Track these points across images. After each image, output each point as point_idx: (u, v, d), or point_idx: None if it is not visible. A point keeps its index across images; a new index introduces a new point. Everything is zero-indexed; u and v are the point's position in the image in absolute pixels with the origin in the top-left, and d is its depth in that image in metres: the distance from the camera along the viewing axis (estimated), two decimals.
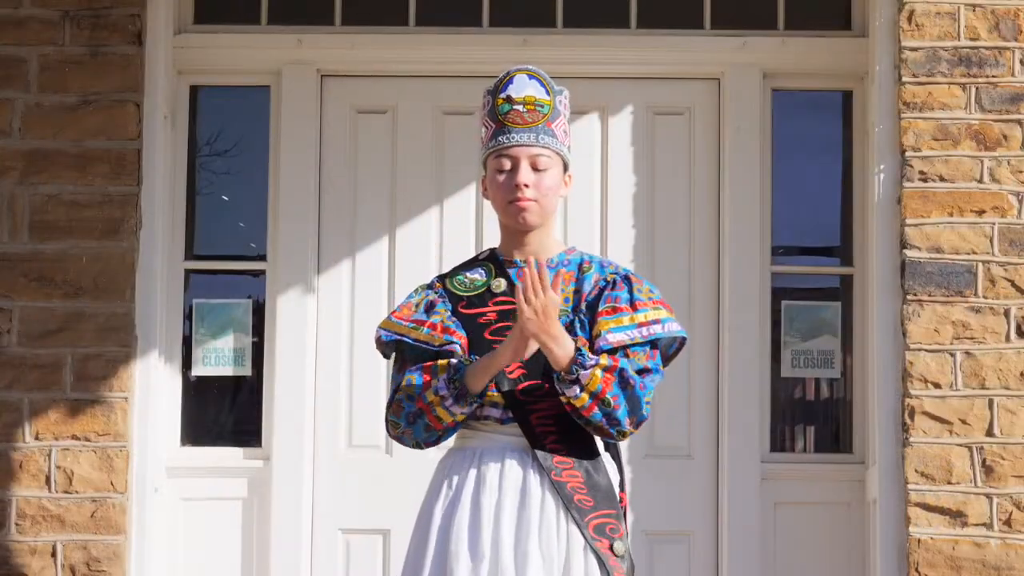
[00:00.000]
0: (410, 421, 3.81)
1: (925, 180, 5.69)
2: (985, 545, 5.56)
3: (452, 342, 3.81)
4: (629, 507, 6.00)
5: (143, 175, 5.85)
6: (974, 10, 5.74)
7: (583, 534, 3.73)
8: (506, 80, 3.89)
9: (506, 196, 3.85)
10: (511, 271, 3.89)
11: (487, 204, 6.07)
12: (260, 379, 6.13)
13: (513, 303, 3.77)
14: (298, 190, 6.11)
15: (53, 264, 5.78)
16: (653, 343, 3.83)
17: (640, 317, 3.83)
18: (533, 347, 3.70)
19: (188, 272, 6.15)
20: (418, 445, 3.87)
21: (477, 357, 3.77)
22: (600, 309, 3.82)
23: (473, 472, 3.79)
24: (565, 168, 3.92)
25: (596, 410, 3.71)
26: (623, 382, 3.72)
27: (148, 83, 5.87)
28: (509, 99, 3.86)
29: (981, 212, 5.68)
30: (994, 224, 5.67)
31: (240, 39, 6.16)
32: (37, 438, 5.72)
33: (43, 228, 5.79)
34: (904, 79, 5.72)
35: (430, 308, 3.88)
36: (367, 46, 6.14)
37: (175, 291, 6.09)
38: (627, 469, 5.93)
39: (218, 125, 6.28)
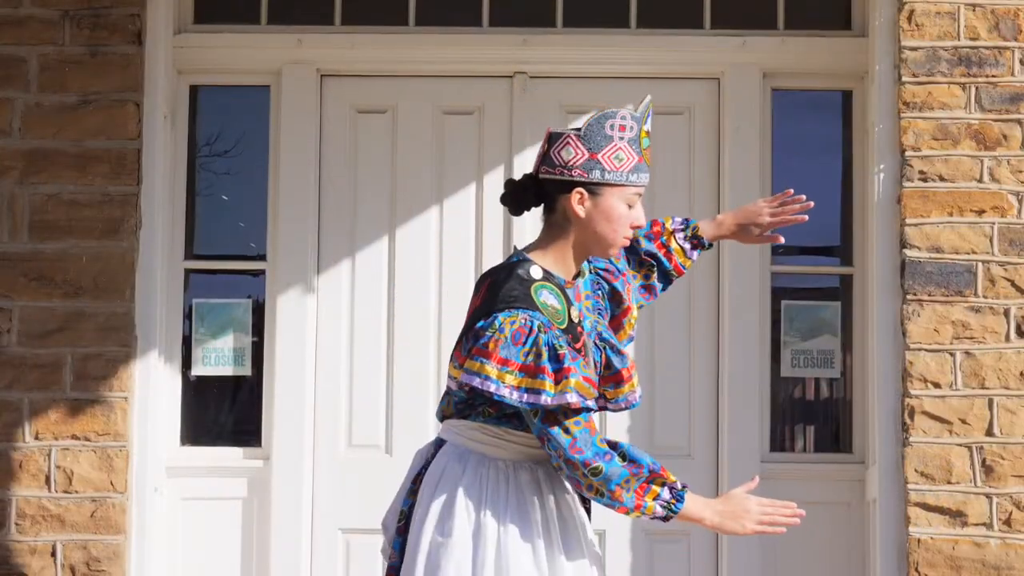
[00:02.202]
0: (613, 500, 3.74)
1: (925, 180, 5.69)
2: (985, 545, 5.56)
3: (597, 396, 3.77)
4: None
5: (143, 175, 5.85)
6: (974, 10, 5.74)
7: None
8: (648, 112, 3.82)
9: (624, 232, 3.81)
10: (569, 292, 3.80)
11: (487, 204, 6.13)
12: (260, 379, 6.13)
13: (584, 330, 3.75)
14: (298, 190, 6.11)
15: (53, 264, 5.78)
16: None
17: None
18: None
19: (188, 272, 6.15)
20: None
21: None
22: (626, 301, 3.94)
23: (510, 482, 3.79)
24: None
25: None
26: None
27: (148, 83, 5.87)
28: (648, 134, 3.82)
29: (981, 212, 5.68)
30: (994, 224, 5.67)
31: (240, 39, 6.16)
32: (37, 438, 5.72)
33: (43, 228, 5.79)
34: (904, 79, 5.72)
35: (573, 358, 3.71)
36: (367, 46, 6.14)
37: (175, 291, 6.09)
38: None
39: (218, 125, 6.28)
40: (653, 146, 6.04)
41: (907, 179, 5.70)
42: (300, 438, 6.03)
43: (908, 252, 5.67)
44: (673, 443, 6.06)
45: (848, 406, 6.13)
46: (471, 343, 3.67)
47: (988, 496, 5.58)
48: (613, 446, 3.70)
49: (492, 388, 3.63)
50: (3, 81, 5.82)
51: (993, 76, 5.72)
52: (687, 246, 4.14)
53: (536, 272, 3.75)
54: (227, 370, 6.18)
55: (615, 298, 3.95)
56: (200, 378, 6.18)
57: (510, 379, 3.63)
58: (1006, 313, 5.64)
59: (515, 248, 3.90)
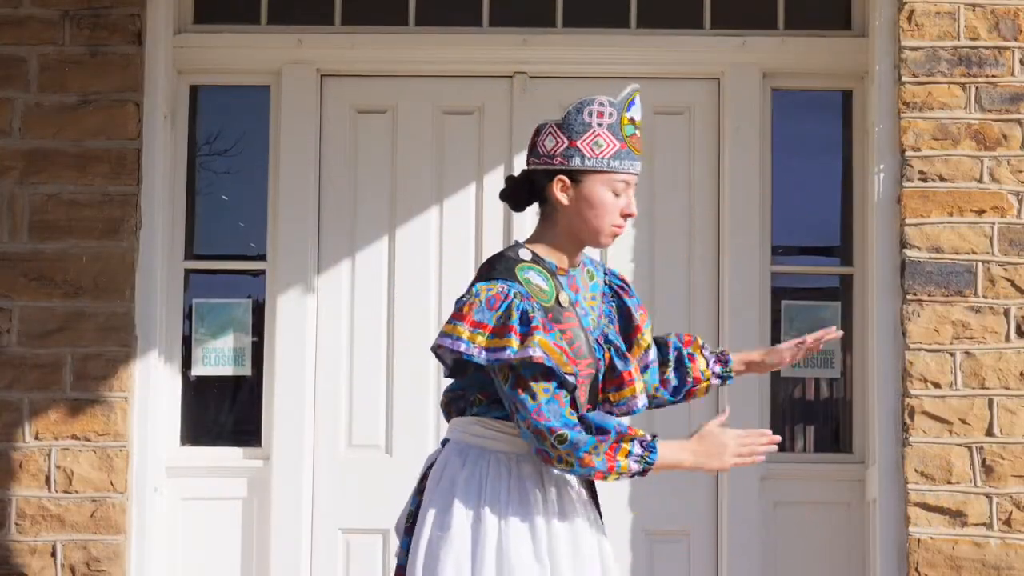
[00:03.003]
0: (586, 467, 3.71)
1: (925, 180, 5.69)
2: (985, 545, 5.56)
3: (576, 375, 3.74)
4: (629, 507, 6.04)
5: (143, 175, 5.85)
6: (974, 10, 5.74)
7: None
8: (631, 99, 3.81)
9: (612, 219, 3.80)
10: (562, 279, 3.83)
11: (487, 204, 6.13)
12: (260, 379, 6.13)
13: (575, 318, 3.76)
14: (298, 190, 6.11)
15: (53, 264, 5.78)
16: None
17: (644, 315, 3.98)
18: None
19: (188, 272, 6.15)
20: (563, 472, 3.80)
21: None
22: (636, 316, 3.91)
23: (516, 474, 3.78)
24: None
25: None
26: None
27: (148, 83, 5.87)
28: (633, 121, 3.80)
29: (981, 212, 5.68)
30: (994, 224, 5.67)
31: (240, 39, 6.16)
32: (37, 438, 5.72)
33: (43, 228, 5.79)
34: (904, 79, 5.72)
35: (547, 328, 3.72)
36: (367, 46, 6.14)
37: (175, 291, 6.09)
38: None
39: (218, 125, 6.28)
40: (653, 144, 6.10)
41: (907, 179, 5.70)
42: (300, 438, 6.03)
43: (908, 252, 5.67)
44: None
45: (848, 406, 6.12)
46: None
47: (988, 496, 5.58)
48: (580, 420, 3.69)
49: (462, 348, 3.68)
50: (3, 81, 5.82)
51: (993, 76, 5.72)
52: (710, 358, 4.14)
53: (525, 255, 3.79)
54: (227, 370, 6.18)
55: (624, 313, 3.94)
56: (200, 378, 6.18)
57: (480, 340, 3.68)
58: (1006, 313, 5.64)
59: (515, 241, 3.95)
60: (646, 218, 6.14)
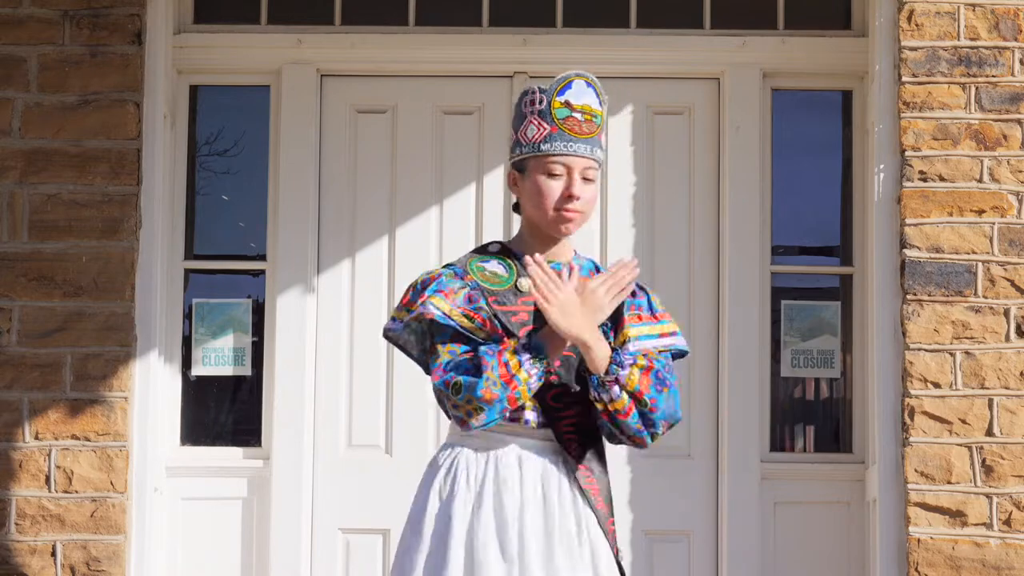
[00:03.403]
0: (491, 404, 3.66)
1: (925, 180, 5.70)
2: (985, 545, 5.56)
3: (498, 340, 3.74)
4: (629, 507, 6.04)
5: (143, 175, 5.85)
6: (974, 10, 5.74)
7: (607, 540, 3.76)
8: (565, 84, 3.83)
9: (554, 203, 3.80)
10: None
11: (487, 204, 6.13)
12: (260, 379, 6.14)
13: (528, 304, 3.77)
14: (298, 190, 6.11)
15: (53, 264, 5.78)
16: (672, 355, 3.85)
17: (660, 328, 3.85)
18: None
19: (188, 272, 6.15)
20: (479, 426, 3.71)
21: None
22: (625, 316, 3.83)
23: (492, 473, 3.77)
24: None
25: (634, 412, 3.70)
26: (659, 382, 3.72)
27: (148, 83, 5.87)
28: (568, 104, 3.82)
29: (981, 212, 5.68)
30: (994, 224, 5.68)
31: (240, 39, 6.16)
32: (37, 438, 5.72)
33: (43, 228, 5.79)
34: (904, 79, 5.72)
35: (471, 300, 3.77)
36: (367, 46, 6.14)
37: (175, 291, 6.09)
38: (627, 469, 5.95)
39: (218, 125, 6.28)
40: (653, 144, 6.11)
41: (907, 179, 5.70)
42: (300, 438, 6.03)
43: (908, 252, 5.67)
44: (673, 443, 6.06)
45: (848, 406, 6.13)
46: None
47: (988, 496, 5.58)
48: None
49: (387, 324, 3.76)
50: (3, 81, 5.83)
51: (993, 76, 5.72)
52: None
53: (493, 247, 3.86)
54: (227, 370, 6.18)
55: (617, 310, 3.92)
56: (200, 378, 6.18)
57: (395, 312, 3.77)
58: (1006, 313, 5.64)
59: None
60: (646, 218, 6.14)
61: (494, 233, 6.09)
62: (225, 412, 6.25)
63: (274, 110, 6.17)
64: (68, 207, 5.80)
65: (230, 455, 6.11)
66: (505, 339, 3.68)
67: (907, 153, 5.71)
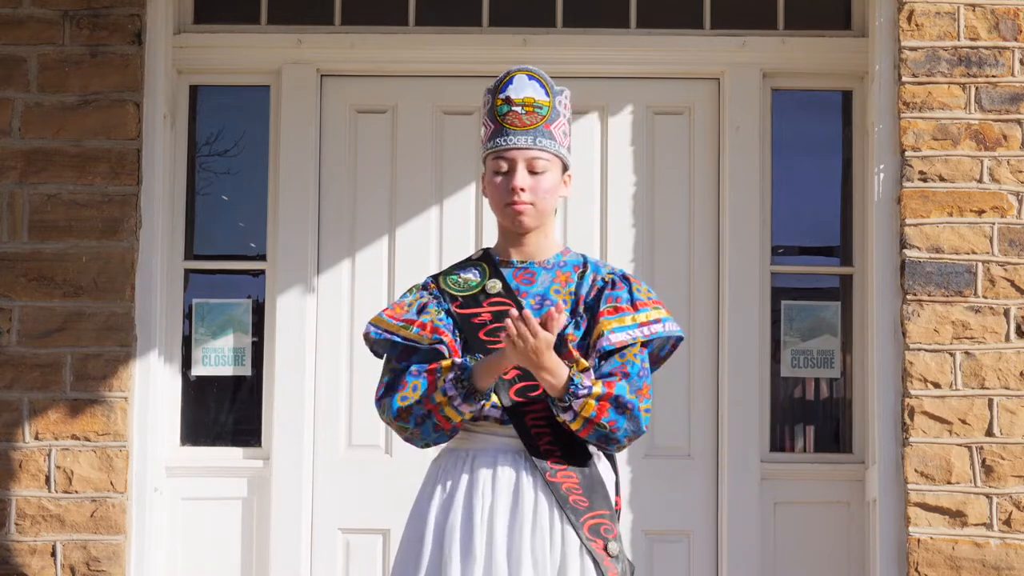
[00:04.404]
0: (418, 423, 3.77)
1: (925, 180, 5.70)
2: (985, 545, 5.56)
3: (440, 342, 3.81)
4: (629, 507, 6.03)
5: (143, 175, 5.85)
6: (974, 10, 5.74)
7: (579, 535, 3.73)
8: (506, 80, 3.89)
9: (503, 198, 3.85)
10: (506, 271, 3.90)
11: (487, 203, 6.12)
12: (260, 379, 6.14)
13: (507, 303, 3.79)
14: (298, 190, 6.11)
15: (53, 264, 5.78)
16: (644, 343, 3.83)
17: (641, 317, 3.83)
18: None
19: (188, 272, 6.15)
20: (427, 445, 3.86)
21: (470, 357, 3.77)
22: (601, 309, 3.82)
23: (466, 475, 3.79)
24: (565, 169, 3.92)
25: (592, 432, 3.74)
26: (619, 407, 3.72)
27: (148, 83, 5.87)
28: (508, 100, 3.86)
29: (981, 212, 5.68)
30: (994, 224, 5.67)
31: (240, 39, 6.16)
32: (37, 438, 5.72)
33: (43, 228, 5.79)
34: (904, 79, 5.72)
35: (422, 309, 3.86)
36: (367, 46, 6.14)
37: (175, 291, 6.09)
38: (627, 469, 5.95)
39: (218, 125, 6.28)
40: (653, 144, 6.11)
41: (907, 179, 5.70)
42: (300, 438, 6.03)
43: (908, 252, 5.67)
44: (673, 443, 6.06)
45: (848, 406, 6.13)
46: None
47: (988, 496, 5.58)
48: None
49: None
50: (3, 81, 5.83)
51: (993, 76, 5.72)
52: None
53: (477, 253, 3.97)
54: (227, 370, 6.18)
55: (590, 309, 3.92)
56: (200, 378, 6.18)
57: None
58: (1006, 313, 5.64)
59: None
60: (646, 218, 6.14)
61: (494, 233, 6.07)
62: (225, 412, 6.25)
63: (274, 110, 6.17)
64: (68, 207, 5.80)
65: (230, 455, 6.11)
66: (444, 352, 3.76)
67: (907, 153, 5.70)
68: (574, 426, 3.71)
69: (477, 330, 3.81)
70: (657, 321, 3.83)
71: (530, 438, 3.77)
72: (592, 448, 3.83)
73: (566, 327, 3.78)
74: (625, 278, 3.88)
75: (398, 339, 3.83)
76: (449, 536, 3.73)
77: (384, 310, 3.92)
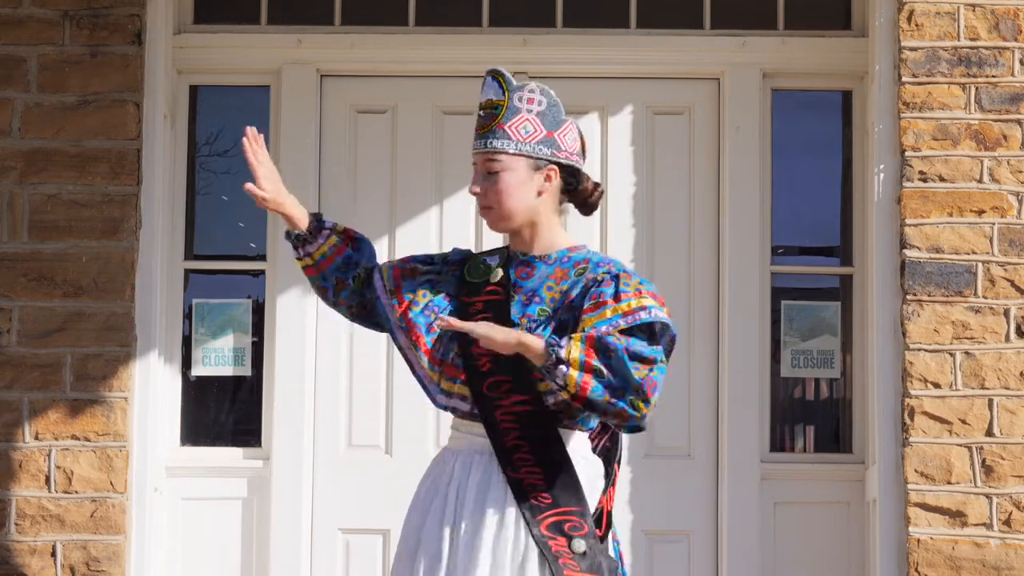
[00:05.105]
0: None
1: (925, 180, 5.70)
2: (985, 545, 5.56)
3: (402, 327, 3.90)
4: (629, 507, 6.03)
5: (143, 175, 5.85)
6: (974, 10, 5.74)
7: (532, 532, 3.68)
8: (482, 86, 3.92)
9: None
10: (514, 264, 3.89)
11: None
12: (260, 379, 6.14)
13: (499, 295, 3.80)
14: (298, 190, 6.05)
15: (53, 264, 5.78)
16: (650, 332, 3.74)
17: (623, 307, 3.75)
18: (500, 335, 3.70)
19: (188, 272, 6.15)
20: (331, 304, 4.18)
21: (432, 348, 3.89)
22: (584, 307, 3.78)
23: (445, 475, 3.81)
24: (541, 164, 3.86)
25: (593, 384, 3.63)
26: (604, 349, 3.63)
27: (148, 83, 5.87)
28: (479, 105, 3.90)
29: (981, 212, 5.68)
30: (994, 224, 5.67)
31: (240, 39, 6.16)
32: (37, 438, 5.72)
33: (43, 228, 5.79)
34: (904, 79, 5.72)
35: (427, 284, 3.92)
36: (367, 46, 6.14)
37: (175, 291, 6.09)
38: (627, 469, 5.95)
39: (218, 125, 6.28)
40: (653, 144, 6.12)
41: (907, 179, 5.70)
42: (300, 438, 6.03)
43: (908, 252, 5.67)
44: (673, 443, 6.06)
45: (848, 406, 6.13)
46: None
47: (988, 496, 5.58)
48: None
49: None
50: (3, 81, 5.83)
51: (993, 76, 5.72)
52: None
53: (501, 244, 4.07)
54: (227, 370, 6.18)
55: (574, 308, 3.90)
56: (200, 378, 6.18)
57: None
58: (1006, 313, 5.64)
59: None
60: (646, 218, 6.14)
61: (493, 233, 6.08)
62: (225, 412, 6.25)
63: (274, 110, 6.17)
64: (68, 207, 5.80)
65: (230, 455, 6.11)
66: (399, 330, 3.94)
67: (907, 153, 5.70)
68: (571, 382, 3.62)
69: (471, 317, 3.81)
70: (642, 308, 3.74)
71: (498, 433, 3.74)
72: (574, 446, 3.80)
73: (534, 328, 3.76)
74: (616, 276, 3.80)
75: (386, 300, 3.94)
76: (425, 537, 3.75)
77: (405, 265, 4.00)
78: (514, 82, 3.89)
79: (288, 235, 4.07)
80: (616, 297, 3.76)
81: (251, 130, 3.98)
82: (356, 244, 4.08)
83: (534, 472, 3.72)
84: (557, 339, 3.66)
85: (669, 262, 6.12)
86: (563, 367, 3.62)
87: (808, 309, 6.20)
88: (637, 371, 3.64)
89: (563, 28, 6.20)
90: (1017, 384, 5.61)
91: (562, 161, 3.88)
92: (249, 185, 3.97)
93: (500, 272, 3.88)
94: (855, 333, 6.09)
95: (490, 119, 3.84)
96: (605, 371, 3.63)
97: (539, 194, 3.86)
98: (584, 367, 3.62)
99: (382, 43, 6.14)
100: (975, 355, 5.63)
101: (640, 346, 3.68)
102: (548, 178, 3.87)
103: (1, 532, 5.69)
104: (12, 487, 5.70)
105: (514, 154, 3.83)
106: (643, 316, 3.73)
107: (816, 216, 6.30)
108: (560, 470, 3.74)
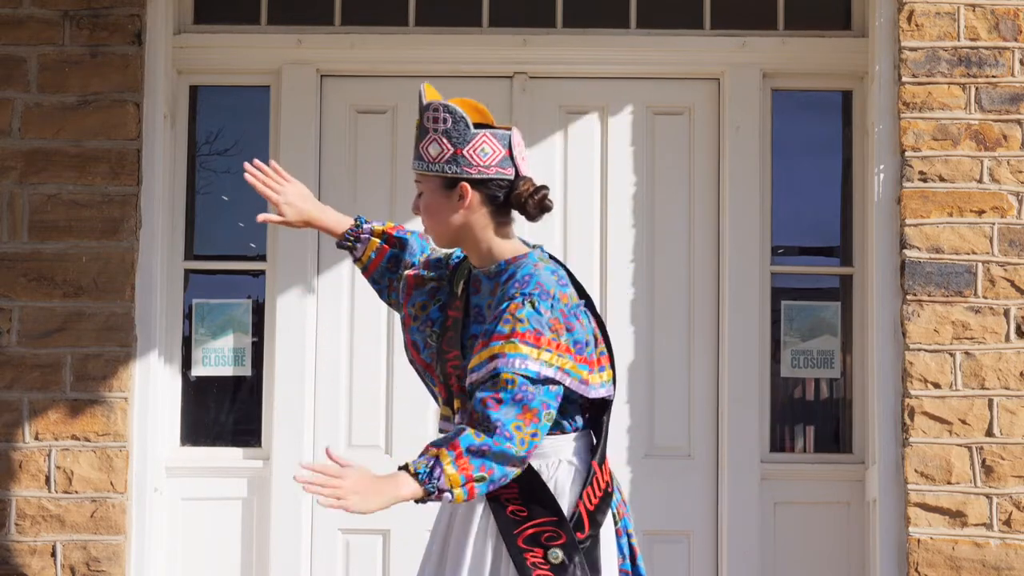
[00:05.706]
0: None
1: (925, 180, 5.70)
2: (985, 545, 5.56)
3: (413, 343, 3.85)
4: (629, 507, 6.02)
5: (143, 175, 5.85)
6: (974, 10, 5.74)
7: (508, 546, 3.65)
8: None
9: None
10: (471, 280, 3.84)
11: None
12: (260, 379, 6.14)
13: (458, 309, 3.80)
14: None
15: (53, 264, 5.78)
16: (495, 377, 3.58)
17: (485, 353, 3.61)
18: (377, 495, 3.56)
19: (188, 272, 6.15)
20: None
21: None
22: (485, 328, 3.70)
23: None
24: (454, 183, 3.79)
25: (479, 487, 3.56)
26: (477, 451, 3.54)
27: (148, 83, 5.87)
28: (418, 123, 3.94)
29: (981, 212, 5.68)
30: (994, 224, 5.67)
31: (240, 39, 6.16)
32: (37, 438, 5.72)
33: (43, 228, 5.79)
34: (904, 79, 5.72)
35: (429, 293, 3.90)
36: (367, 46, 6.14)
37: (175, 291, 6.09)
38: (627, 469, 5.95)
39: (218, 125, 6.28)
40: (653, 144, 6.12)
41: (907, 179, 5.70)
42: (300, 438, 6.03)
43: (908, 252, 5.67)
44: (673, 443, 6.06)
45: (848, 406, 6.13)
46: None
47: (988, 496, 5.58)
48: None
49: None
50: (3, 81, 5.83)
51: (993, 76, 5.72)
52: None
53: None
54: (227, 370, 6.18)
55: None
56: (200, 378, 6.18)
57: None
58: (1006, 313, 5.64)
59: None
60: (646, 218, 6.14)
61: None
62: (225, 412, 6.25)
63: (274, 110, 6.17)
64: (68, 207, 5.80)
65: (230, 455, 6.11)
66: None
67: (907, 153, 5.70)
68: (459, 499, 3.54)
69: (447, 332, 3.80)
70: (498, 356, 3.57)
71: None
72: (556, 451, 3.73)
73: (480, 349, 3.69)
74: (511, 299, 3.64)
75: (401, 309, 3.93)
76: (424, 554, 3.81)
77: (418, 273, 3.98)
78: (424, 100, 3.86)
79: (338, 246, 4.14)
80: (489, 337, 3.62)
81: (249, 166, 3.98)
82: (401, 242, 4.08)
83: (509, 488, 3.67)
84: (424, 471, 3.55)
85: (669, 262, 6.12)
86: (447, 494, 3.55)
87: (808, 309, 6.20)
88: (512, 446, 3.55)
89: (563, 28, 6.20)
90: (1017, 384, 5.61)
91: (474, 176, 3.78)
92: (262, 216, 3.99)
93: (461, 284, 3.86)
94: (855, 333, 6.09)
95: (416, 140, 3.87)
96: (486, 472, 3.55)
97: (458, 211, 3.80)
98: (466, 481, 3.54)
99: (382, 43, 6.14)
100: (975, 355, 5.63)
101: (504, 412, 3.55)
102: (462, 195, 3.79)
103: (1, 532, 5.69)
104: (12, 487, 5.70)
105: (427, 174, 3.82)
106: (494, 366, 3.58)
107: (816, 216, 6.30)
108: (532, 481, 3.68)
